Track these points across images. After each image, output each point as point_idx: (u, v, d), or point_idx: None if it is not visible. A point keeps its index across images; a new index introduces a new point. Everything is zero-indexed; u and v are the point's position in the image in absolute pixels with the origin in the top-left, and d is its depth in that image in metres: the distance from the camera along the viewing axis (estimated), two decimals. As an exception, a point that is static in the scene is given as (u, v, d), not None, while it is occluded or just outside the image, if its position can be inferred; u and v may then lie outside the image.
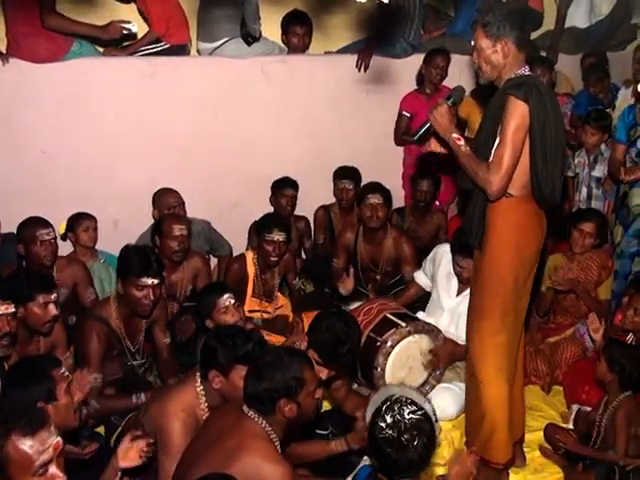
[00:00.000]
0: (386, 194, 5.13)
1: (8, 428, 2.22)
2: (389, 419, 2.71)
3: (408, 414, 2.71)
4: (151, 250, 4.30)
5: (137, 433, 2.97)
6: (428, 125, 3.56)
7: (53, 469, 2.28)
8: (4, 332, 3.32)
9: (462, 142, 3.39)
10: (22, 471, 2.23)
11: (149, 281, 3.97)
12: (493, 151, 3.30)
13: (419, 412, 2.74)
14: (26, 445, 2.23)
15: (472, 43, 3.44)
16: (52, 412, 2.79)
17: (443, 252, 4.67)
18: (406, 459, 2.69)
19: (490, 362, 3.54)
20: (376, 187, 5.16)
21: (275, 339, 4.71)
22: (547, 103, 3.25)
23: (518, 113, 3.21)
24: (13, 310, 3.37)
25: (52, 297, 3.70)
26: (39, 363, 3.04)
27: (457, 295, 4.54)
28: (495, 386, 3.55)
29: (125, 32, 5.19)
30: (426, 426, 2.73)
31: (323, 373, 3.54)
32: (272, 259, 4.98)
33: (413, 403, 2.77)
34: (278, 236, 4.93)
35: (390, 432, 2.70)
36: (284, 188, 5.72)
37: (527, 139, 3.26)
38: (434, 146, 3.72)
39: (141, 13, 5.61)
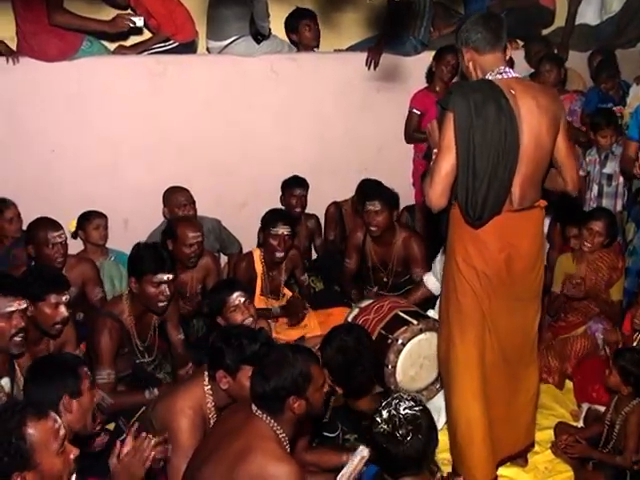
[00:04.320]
0: (386, 198, 5.05)
1: (21, 417, 2.25)
2: (385, 414, 2.75)
3: (404, 409, 2.74)
4: (162, 246, 4.31)
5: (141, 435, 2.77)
6: None
7: (68, 445, 2.35)
8: (19, 328, 3.32)
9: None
10: (48, 453, 2.27)
11: (165, 277, 4.00)
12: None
13: (416, 407, 2.76)
14: (47, 426, 2.29)
15: None
16: (75, 408, 2.84)
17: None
18: (403, 454, 2.70)
19: (452, 371, 3.50)
20: (374, 193, 5.10)
21: (293, 334, 4.75)
22: (472, 110, 3.13)
23: (445, 122, 3.18)
24: (25, 306, 3.37)
25: (63, 298, 3.68)
26: (65, 359, 3.06)
27: None
28: (456, 397, 3.50)
29: (131, 25, 5.20)
30: (422, 422, 2.74)
31: (339, 389, 3.54)
32: (278, 254, 5.00)
33: (412, 399, 2.79)
34: (283, 230, 4.94)
35: (385, 427, 2.72)
36: (293, 187, 5.71)
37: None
38: None
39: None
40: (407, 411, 2.73)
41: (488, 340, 3.45)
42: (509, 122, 3.17)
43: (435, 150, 3.33)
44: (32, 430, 2.25)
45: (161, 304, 4.06)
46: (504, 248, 3.31)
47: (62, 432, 2.34)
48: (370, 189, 5.24)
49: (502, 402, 3.60)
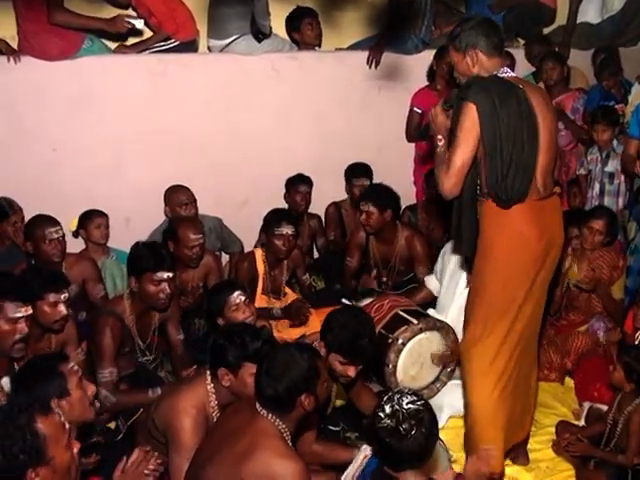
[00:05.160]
0: (378, 199, 5.06)
1: (30, 414, 2.27)
2: (388, 409, 2.74)
3: (407, 404, 2.74)
4: (161, 245, 4.33)
5: (146, 449, 2.85)
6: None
7: (72, 439, 2.40)
8: (23, 334, 3.32)
9: (441, 144, 3.42)
10: (59, 447, 2.31)
11: (165, 275, 4.00)
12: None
13: (418, 402, 2.76)
14: (55, 420, 2.32)
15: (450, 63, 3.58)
16: (67, 408, 2.82)
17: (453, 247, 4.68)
18: (406, 449, 2.71)
19: (474, 367, 3.52)
20: (367, 194, 5.16)
21: (293, 333, 4.74)
22: (495, 101, 3.22)
23: (466, 113, 3.24)
24: (31, 312, 3.37)
25: (62, 297, 3.69)
26: (47, 361, 3.02)
27: (466, 286, 4.52)
28: (477, 393, 3.53)
29: (130, 26, 5.19)
30: (425, 416, 2.75)
31: (351, 371, 3.52)
32: (282, 253, 5.02)
33: (414, 394, 2.80)
34: (287, 229, 4.97)
35: (389, 421, 2.72)
36: (298, 184, 5.74)
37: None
38: None
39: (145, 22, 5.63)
40: (410, 405, 2.73)
41: (516, 330, 3.50)
42: (528, 112, 3.30)
43: (439, 137, 3.42)
44: (42, 425, 2.27)
45: (162, 302, 4.06)
46: (542, 236, 3.39)
47: (67, 426, 2.37)
48: (364, 189, 5.28)
49: (519, 389, 3.66)
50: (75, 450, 2.40)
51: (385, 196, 5.12)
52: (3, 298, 3.24)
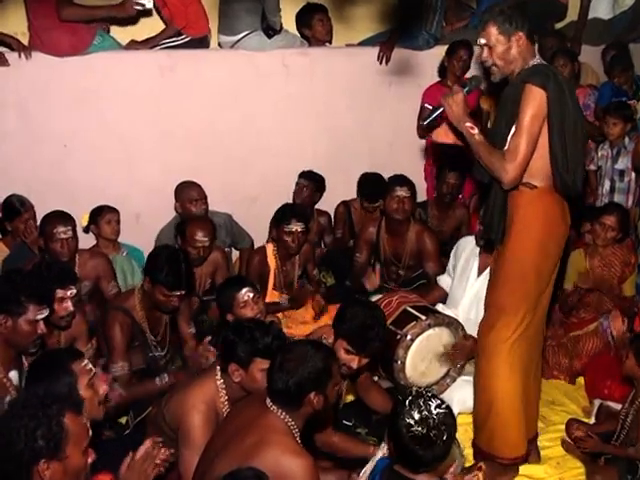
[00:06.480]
0: (412, 187, 5.14)
1: (61, 407, 2.28)
2: (417, 415, 2.67)
3: (435, 409, 2.68)
4: (182, 257, 4.16)
5: (158, 439, 2.83)
6: (439, 112, 3.56)
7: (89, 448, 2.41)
8: (41, 333, 3.34)
9: (476, 131, 3.37)
10: (77, 449, 2.31)
11: (177, 293, 4.01)
12: (509, 140, 3.30)
13: (443, 406, 2.72)
14: (82, 422, 2.34)
15: (482, 41, 3.41)
16: None
17: (465, 243, 4.68)
18: (432, 454, 2.67)
19: (503, 357, 3.50)
20: (403, 180, 5.15)
21: (302, 329, 4.75)
22: (565, 90, 3.23)
23: (535, 101, 3.20)
24: (48, 312, 3.39)
25: (68, 293, 3.70)
26: (59, 357, 3.02)
27: (478, 276, 4.52)
28: (506, 381, 3.52)
29: (140, 8, 5.18)
30: (451, 420, 2.72)
31: (354, 362, 3.53)
32: (292, 249, 5.03)
33: (435, 397, 2.75)
34: (296, 227, 4.97)
35: (419, 429, 2.65)
36: (299, 178, 5.81)
37: (545, 127, 3.24)
38: (440, 137, 3.71)
39: (158, 11, 5.64)
40: (438, 410, 2.68)
41: (537, 316, 3.54)
42: (578, 105, 3.35)
43: (469, 124, 3.37)
44: (69, 421, 2.28)
45: (169, 309, 4.12)
46: (565, 220, 3.47)
47: (90, 433, 2.38)
48: (397, 176, 5.26)
49: (533, 377, 3.71)
50: (90, 459, 2.40)
51: (414, 184, 5.19)
52: (28, 300, 3.24)
